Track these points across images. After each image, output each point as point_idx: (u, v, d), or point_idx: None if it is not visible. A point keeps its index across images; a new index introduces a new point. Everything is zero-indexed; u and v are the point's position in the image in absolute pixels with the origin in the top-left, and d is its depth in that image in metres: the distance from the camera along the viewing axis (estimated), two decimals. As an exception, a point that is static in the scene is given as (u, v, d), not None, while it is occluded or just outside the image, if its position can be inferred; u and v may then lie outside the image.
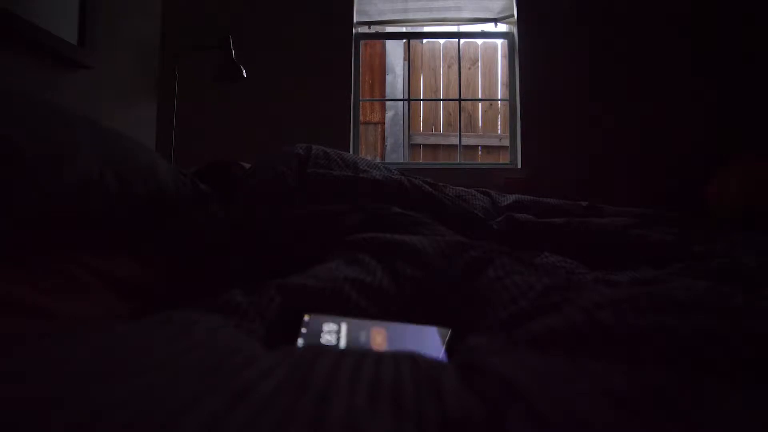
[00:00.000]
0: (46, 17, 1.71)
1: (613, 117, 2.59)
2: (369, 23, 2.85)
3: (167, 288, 0.78)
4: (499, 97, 4.30)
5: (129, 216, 0.83)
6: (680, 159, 2.52)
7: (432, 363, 0.30)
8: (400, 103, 4.49)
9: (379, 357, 0.31)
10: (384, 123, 4.46)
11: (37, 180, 0.62)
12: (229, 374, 0.26)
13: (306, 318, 0.46)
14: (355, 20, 2.77)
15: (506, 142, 2.88)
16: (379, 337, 0.44)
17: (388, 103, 4.59)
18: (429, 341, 0.44)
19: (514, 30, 2.74)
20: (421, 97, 4.38)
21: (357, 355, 0.30)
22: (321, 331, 0.44)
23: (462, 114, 3.85)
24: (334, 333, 0.44)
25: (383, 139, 4.42)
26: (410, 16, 2.83)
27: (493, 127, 4.37)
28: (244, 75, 2.20)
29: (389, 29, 2.95)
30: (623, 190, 2.50)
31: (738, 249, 1.16)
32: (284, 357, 0.29)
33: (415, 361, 0.30)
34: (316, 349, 0.31)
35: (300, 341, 0.42)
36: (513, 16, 2.71)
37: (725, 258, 1.10)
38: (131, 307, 0.65)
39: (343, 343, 0.41)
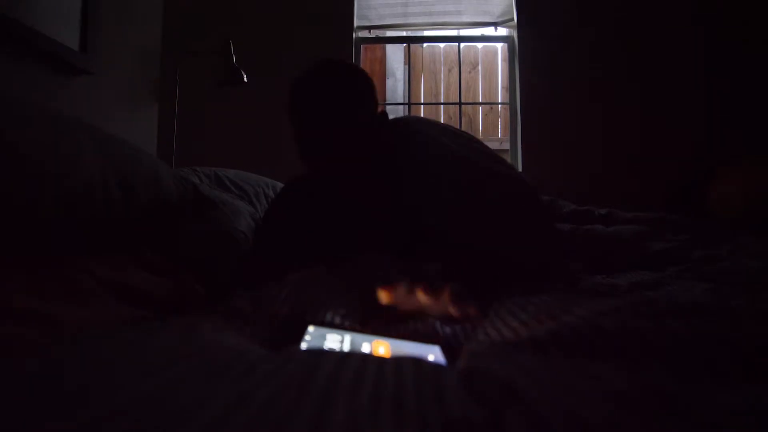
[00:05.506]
0: (48, 23, 1.72)
1: (613, 119, 2.59)
2: (369, 27, 2.86)
3: (172, 294, 0.78)
4: (500, 101, 4.30)
5: (132, 222, 0.83)
6: (681, 161, 2.52)
7: (434, 367, 0.30)
8: (401, 107, 4.50)
9: (381, 361, 0.31)
10: (384, 127, 4.46)
11: (40, 187, 0.63)
12: (231, 379, 0.26)
13: (310, 329, 0.46)
14: (355, 25, 2.78)
15: (507, 146, 2.88)
16: (382, 349, 0.44)
17: (388, 107, 4.60)
18: (431, 356, 0.44)
19: (514, 34, 2.74)
20: (422, 101, 4.39)
21: (359, 359, 0.30)
22: (324, 341, 0.44)
23: (462, 118, 3.86)
24: (337, 343, 0.44)
25: (384, 142, 4.42)
26: (410, 20, 2.84)
27: (493, 130, 4.37)
28: (245, 80, 2.21)
29: (389, 33, 2.96)
30: (624, 192, 2.50)
31: (741, 252, 1.16)
32: (286, 361, 0.29)
33: (417, 365, 0.30)
34: (318, 352, 0.31)
35: (303, 347, 0.42)
36: (513, 19, 2.72)
37: (727, 261, 1.10)
38: (136, 314, 0.65)
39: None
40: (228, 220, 1.15)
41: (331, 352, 0.31)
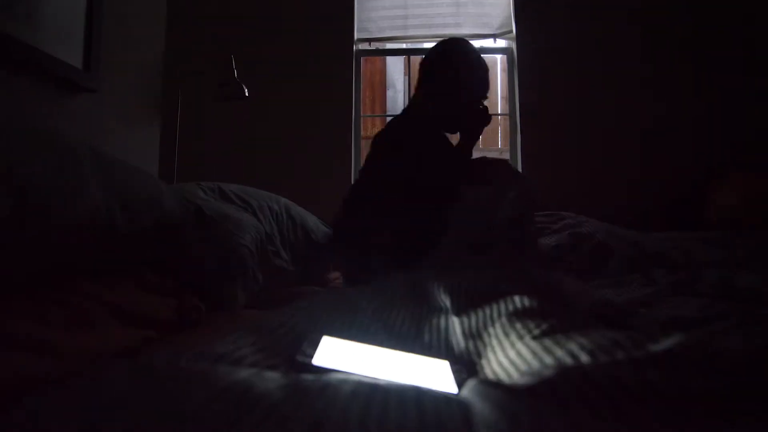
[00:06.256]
0: (53, 43, 1.74)
1: (612, 129, 2.60)
2: (369, 40, 2.88)
3: (175, 314, 0.78)
4: (499, 111, 4.32)
5: (135, 244, 0.84)
6: (680, 172, 2.52)
7: (437, 402, 0.31)
8: (401, 117, 4.51)
9: (386, 394, 0.32)
10: (385, 137, 4.48)
11: (46, 215, 0.63)
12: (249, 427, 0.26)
13: (322, 339, 0.47)
14: (355, 37, 2.80)
15: (507, 155, 2.89)
16: (389, 364, 0.45)
17: (389, 118, 4.61)
18: (438, 372, 0.44)
19: (513, 45, 2.76)
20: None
21: (365, 395, 0.31)
22: (334, 355, 0.45)
23: (463, 127, 3.85)
24: (343, 357, 0.45)
25: (385, 153, 4.44)
26: (410, 32, 2.86)
27: (493, 140, 4.39)
28: (246, 94, 2.22)
29: (389, 46, 2.98)
30: (623, 202, 2.50)
31: (741, 264, 1.17)
32: (300, 397, 0.30)
33: (420, 398, 0.31)
34: (325, 385, 0.32)
35: (313, 362, 0.42)
36: (512, 31, 2.74)
37: (719, 273, 1.10)
38: (140, 336, 0.66)
39: (355, 369, 0.42)
40: (231, 237, 1.15)
41: (338, 387, 0.31)
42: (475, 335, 0.53)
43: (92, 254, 0.74)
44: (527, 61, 2.68)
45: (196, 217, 1.05)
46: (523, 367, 0.41)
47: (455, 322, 0.56)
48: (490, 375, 0.44)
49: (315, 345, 0.46)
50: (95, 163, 0.75)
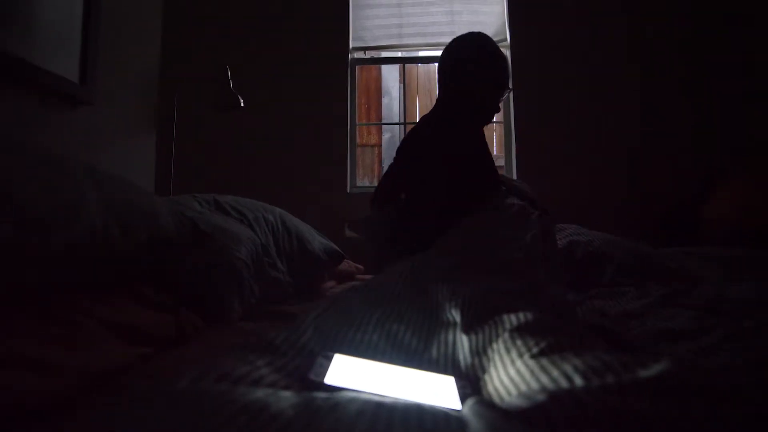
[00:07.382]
0: (49, 54, 1.74)
1: (608, 136, 2.62)
2: (364, 48, 2.90)
3: (172, 330, 0.78)
4: (494, 118, 4.34)
5: (132, 261, 0.83)
6: (677, 179, 2.54)
7: (437, 420, 0.33)
8: (397, 126, 4.54)
9: (392, 411, 0.33)
10: (381, 145, 4.50)
11: (44, 238, 0.63)
12: None
13: (332, 357, 0.48)
14: (350, 46, 2.82)
15: (502, 162, 2.90)
16: (397, 381, 0.46)
17: (384, 126, 4.63)
18: (444, 389, 0.45)
19: (508, 53, 2.78)
20: (417, 121, 4.42)
21: (372, 410, 0.33)
22: (346, 373, 0.46)
23: (458, 135, 3.86)
24: (354, 375, 0.45)
25: (380, 161, 4.45)
26: (405, 41, 2.88)
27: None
28: (242, 104, 2.23)
29: (384, 54, 2.99)
30: (619, 210, 2.52)
31: (737, 276, 1.17)
32: (310, 423, 0.30)
33: (421, 417, 0.33)
34: (335, 404, 0.33)
35: (325, 381, 0.43)
36: (506, 40, 2.76)
37: (711, 287, 1.11)
38: (139, 353, 0.65)
39: (362, 386, 0.43)
40: (227, 250, 1.15)
41: (348, 406, 0.33)
42: (480, 352, 0.54)
43: (89, 271, 0.73)
44: (522, 68, 2.70)
45: (192, 231, 1.05)
46: (521, 386, 0.42)
47: (464, 339, 0.57)
48: (491, 391, 0.45)
49: (327, 363, 0.47)
50: (92, 179, 0.75)
